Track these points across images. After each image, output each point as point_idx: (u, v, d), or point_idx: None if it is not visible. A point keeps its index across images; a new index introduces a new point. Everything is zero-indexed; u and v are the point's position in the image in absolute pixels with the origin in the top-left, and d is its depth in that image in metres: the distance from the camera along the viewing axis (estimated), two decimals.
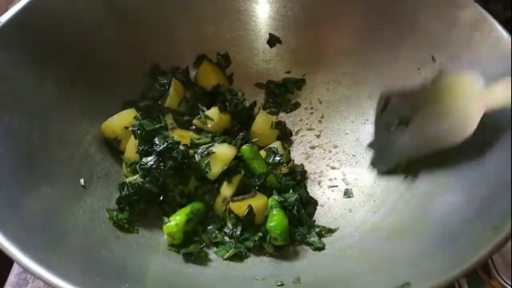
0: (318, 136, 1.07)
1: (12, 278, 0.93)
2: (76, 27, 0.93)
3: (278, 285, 0.73)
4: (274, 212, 0.85)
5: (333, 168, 1.02)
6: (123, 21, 1.00)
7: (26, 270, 0.58)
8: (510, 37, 0.80)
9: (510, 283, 0.83)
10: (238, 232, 0.87)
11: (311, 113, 1.11)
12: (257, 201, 0.88)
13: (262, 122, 1.04)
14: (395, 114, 0.92)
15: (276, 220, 0.83)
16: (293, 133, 1.09)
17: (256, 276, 0.77)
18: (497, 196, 0.65)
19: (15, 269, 0.94)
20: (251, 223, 0.87)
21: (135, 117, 0.94)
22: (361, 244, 0.81)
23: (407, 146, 0.88)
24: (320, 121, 1.09)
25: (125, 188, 0.86)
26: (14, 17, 0.84)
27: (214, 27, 1.10)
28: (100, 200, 0.85)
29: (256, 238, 0.85)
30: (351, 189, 0.97)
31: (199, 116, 1.02)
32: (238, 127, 1.06)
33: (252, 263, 0.82)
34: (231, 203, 0.87)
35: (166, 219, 0.85)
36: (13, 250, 0.58)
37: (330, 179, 1.00)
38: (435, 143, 0.82)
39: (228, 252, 0.83)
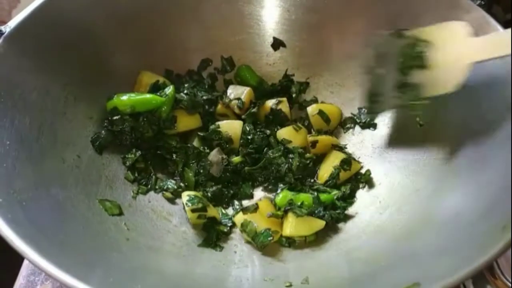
0: None
1: (20, 280, 0.93)
2: (83, 31, 0.94)
3: (286, 286, 0.74)
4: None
5: None
6: (129, 25, 1.01)
7: (42, 271, 0.58)
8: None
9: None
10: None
11: None
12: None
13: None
14: (387, 57, 0.91)
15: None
16: None
17: (264, 277, 0.78)
18: (504, 196, 0.66)
19: (23, 271, 0.94)
20: None
21: None
22: (369, 245, 0.82)
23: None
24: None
25: None
26: (22, 23, 0.84)
27: (219, 30, 1.11)
28: (108, 202, 0.86)
29: None
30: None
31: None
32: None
33: (260, 264, 0.83)
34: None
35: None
36: (29, 252, 0.59)
37: None
38: (424, 90, 0.84)
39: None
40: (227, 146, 1.01)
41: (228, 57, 1.14)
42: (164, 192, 0.96)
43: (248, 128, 1.03)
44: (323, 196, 0.92)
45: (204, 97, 1.06)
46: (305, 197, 0.91)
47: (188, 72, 1.12)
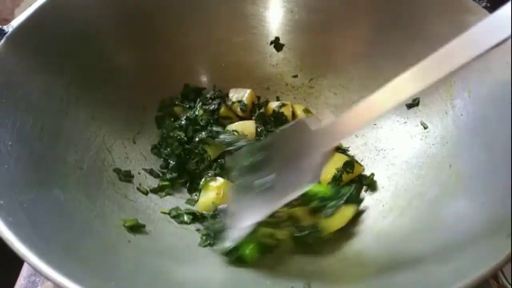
0: None
1: (21, 281, 0.93)
2: (86, 31, 0.93)
3: None
4: None
5: None
6: (132, 25, 1.01)
7: (41, 274, 0.58)
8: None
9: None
10: None
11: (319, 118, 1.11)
12: None
13: None
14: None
15: None
16: None
17: (266, 281, 0.77)
18: (508, 202, 0.65)
19: (24, 271, 0.94)
20: None
21: None
22: (371, 249, 0.82)
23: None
24: None
25: None
26: (24, 22, 0.84)
27: (222, 31, 1.10)
28: (110, 204, 0.85)
29: None
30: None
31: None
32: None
33: (262, 268, 0.82)
34: None
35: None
36: (28, 255, 0.58)
37: None
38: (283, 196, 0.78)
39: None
40: None
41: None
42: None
43: (259, 129, 1.04)
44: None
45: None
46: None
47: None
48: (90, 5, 0.94)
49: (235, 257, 0.82)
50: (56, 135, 0.84)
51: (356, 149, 1.05)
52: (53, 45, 0.88)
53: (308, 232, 0.85)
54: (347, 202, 0.88)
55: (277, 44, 1.12)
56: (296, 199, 0.83)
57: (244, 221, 0.81)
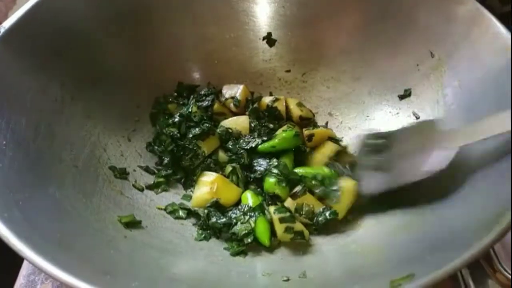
0: None
1: (21, 280, 0.93)
2: (79, 31, 0.94)
3: (284, 280, 0.74)
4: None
5: None
6: (124, 24, 1.01)
7: (39, 269, 0.59)
8: (508, 32, 0.81)
9: None
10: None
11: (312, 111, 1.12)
12: None
13: None
14: (371, 155, 0.93)
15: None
16: None
17: (262, 272, 0.78)
18: (501, 184, 0.66)
19: (23, 271, 0.95)
20: None
21: None
22: (365, 238, 0.82)
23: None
24: (321, 119, 1.11)
25: None
26: (17, 23, 0.84)
27: (214, 28, 1.11)
28: (106, 201, 0.86)
29: None
30: None
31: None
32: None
33: (258, 259, 0.83)
34: None
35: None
36: (26, 251, 0.59)
37: None
38: (398, 179, 0.84)
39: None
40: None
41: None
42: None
43: (253, 124, 1.05)
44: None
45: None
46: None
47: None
48: (82, 5, 0.95)
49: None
50: (51, 134, 0.85)
51: (349, 140, 1.06)
52: (47, 45, 0.89)
53: (324, 218, 0.87)
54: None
55: (269, 40, 1.13)
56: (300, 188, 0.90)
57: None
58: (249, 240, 0.85)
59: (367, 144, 0.93)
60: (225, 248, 0.86)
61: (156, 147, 1.02)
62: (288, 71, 1.15)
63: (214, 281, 0.77)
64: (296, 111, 1.07)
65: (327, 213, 0.87)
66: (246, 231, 0.86)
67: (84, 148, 0.91)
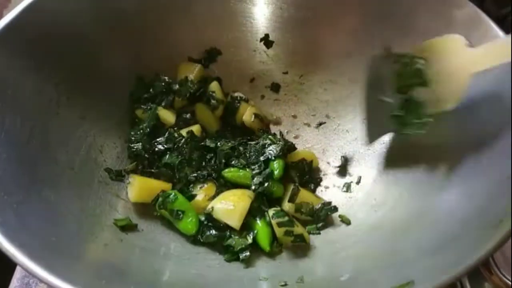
0: (317, 136, 1.08)
1: (14, 283, 0.92)
2: (74, 31, 0.92)
3: (281, 285, 0.74)
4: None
5: (333, 167, 1.03)
6: (121, 24, 1.00)
7: (32, 275, 0.58)
8: (506, 35, 0.81)
9: (511, 279, 0.85)
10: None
11: (309, 113, 1.12)
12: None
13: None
14: (384, 80, 0.90)
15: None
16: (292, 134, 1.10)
17: (259, 276, 0.78)
18: (500, 191, 0.66)
19: (17, 273, 0.94)
20: None
21: None
22: (364, 242, 0.82)
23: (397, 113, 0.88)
24: (319, 121, 1.10)
25: None
26: (11, 22, 0.83)
27: (211, 29, 1.10)
28: (102, 204, 0.85)
29: None
30: (351, 187, 0.98)
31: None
32: None
33: (255, 264, 0.83)
34: None
35: None
36: (18, 256, 0.59)
37: (330, 178, 1.01)
38: (427, 108, 0.83)
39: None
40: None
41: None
42: None
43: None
44: None
45: None
46: None
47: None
48: (79, 5, 0.93)
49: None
50: (46, 135, 0.84)
51: (347, 144, 1.05)
52: (42, 45, 0.87)
53: (325, 214, 0.89)
54: None
55: (267, 41, 1.12)
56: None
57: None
58: (245, 254, 0.83)
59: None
60: (221, 253, 0.85)
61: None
62: (286, 72, 1.14)
63: (210, 286, 0.77)
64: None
65: (327, 208, 0.89)
66: (243, 246, 0.84)
67: (80, 149, 0.90)
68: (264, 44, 1.12)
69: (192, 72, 1.07)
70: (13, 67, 0.82)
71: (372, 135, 0.94)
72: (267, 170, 0.92)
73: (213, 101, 1.05)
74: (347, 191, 0.97)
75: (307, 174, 0.99)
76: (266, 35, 1.11)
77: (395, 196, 0.87)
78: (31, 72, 0.85)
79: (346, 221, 0.89)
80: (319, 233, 0.88)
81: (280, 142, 0.95)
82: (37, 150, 0.81)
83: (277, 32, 1.11)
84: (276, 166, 0.92)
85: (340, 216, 0.90)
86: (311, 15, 1.07)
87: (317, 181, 1.01)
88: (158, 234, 0.86)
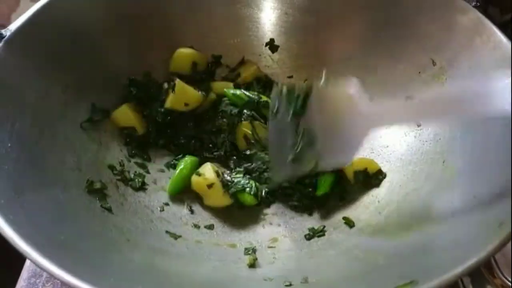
0: None
1: (21, 283, 0.93)
2: (83, 34, 0.94)
3: (286, 285, 0.74)
4: None
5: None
6: (128, 29, 1.02)
7: (47, 272, 0.58)
8: (509, 41, 0.82)
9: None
10: None
11: None
12: None
13: None
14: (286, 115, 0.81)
15: None
16: None
17: (264, 277, 0.78)
18: (502, 193, 0.67)
19: (24, 273, 0.95)
20: None
21: None
22: (367, 244, 0.83)
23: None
24: None
25: None
26: (22, 26, 0.85)
27: (217, 33, 1.12)
28: (109, 204, 0.86)
29: None
30: None
31: None
32: None
33: (260, 264, 0.83)
34: None
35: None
36: (31, 252, 0.59)
37: None
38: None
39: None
40: None
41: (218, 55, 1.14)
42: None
43: None
44: None
45: None
46: None
47: None
48: (87, 8, 0.95)
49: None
50: (54, 137, 0.85)
51: None
52: (50, 48, 0.89)
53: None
54: None
55: (272, 46, 1.14)
56: None
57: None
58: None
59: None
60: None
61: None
62: (290, 76, 1.15)
63: (215, 286, 0.77)
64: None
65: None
66: None
67: (87, 151, 0.91)
68: (269, 48, 1.14)
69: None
70: (22, 70, 0.84)
71: (275, 176, 0.93)
72: None
73: None
74: None
75: None
76: (272, 40, 1.13)
77: (399, 198, 0.88)
78: (40, 75, 0.87)
79: (350, 223, 0.90)
80: (323, 235, 0.89)
81: None
82: (46, 151, 0.82)
83: (282, 36, 1.13)
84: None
85: (344, 218, 0.91)
86: (316, 20, 1.09)
87: None
88: (164, 234, 0.87)
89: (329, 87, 0.78)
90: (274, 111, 0.81)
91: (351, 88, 0.74)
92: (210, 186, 0.91)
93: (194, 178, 0.93)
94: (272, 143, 0.86)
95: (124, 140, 1.01)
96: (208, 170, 0.93)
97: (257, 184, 0.95)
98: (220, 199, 0.93)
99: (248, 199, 0.93)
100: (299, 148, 0.79)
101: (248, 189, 0.93)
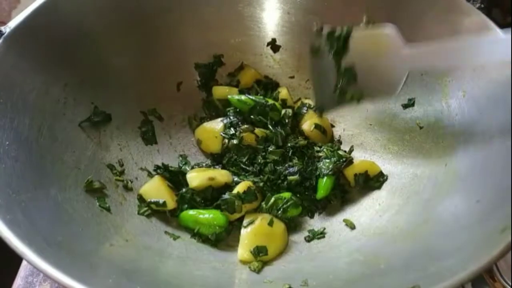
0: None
1: (18, 281, 0.93)
2: (83, 32, 0.94)
3: None
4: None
5: None
6: (129, 27, 1.01)
7: (43, 273, 0.58)
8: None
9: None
10: None
11: None
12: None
13: None
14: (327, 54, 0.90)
15: None
16: None
17: (264, 279, 0.78)
18: (504, 199, 0.66)
19: (21, 272, 0.94)
20: None
21: None
22: (368, 247, 0.82)
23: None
24: None
25: None
26: (22, 23, 0.84)
27: (219, 32, 1.11)
28: (108, 204, 0.86)
29: None
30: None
31: None
32: None
33: (260, 267, 0.83)
34: None
35: None
36: (28, 253, 0.59)
37: None
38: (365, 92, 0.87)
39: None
40: None
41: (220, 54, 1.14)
42: None
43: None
44: None
45: None
46: None
47: None
48: (87, 6, 0.94)
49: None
50: (53, 135, 0.85)
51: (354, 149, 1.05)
52: (50, 46, 0.88)
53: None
54: None
55: (274, 46, 1.13)
56: None
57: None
58: None
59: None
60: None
61: None
62: (292, 77, 1.15)
63: (215, 287, 0.77)
64: None
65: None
66: None
67: (87, 150, 0.91)
68: (271, 48, 1.13)
69: None
70: (21, 68, 0.83)
71: (321, 105, 1.00)
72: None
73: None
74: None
75: None
76: (273, 40, 1.12)
77: (400, 202, 0.88)
78: (39, 73, 0.86)
79: (350, 226, 0.89)
80: (324, 237, 0.89)
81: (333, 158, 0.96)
82: (45, 149, 0.82)
83: (284, 36, 1.12)
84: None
85: (344, 220, 0.91)
86: (318, 20, 1.08)
87: None
88: (163, 234, 0.87)
89: (368, 29, 0.86)
90: (315, 50, 0.91)
91: (388, 31, 0.83)
92: None
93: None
94: (315, 80, 0.97)
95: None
96: None
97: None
98: None
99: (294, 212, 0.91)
100: (341, 85, 0.89)
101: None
